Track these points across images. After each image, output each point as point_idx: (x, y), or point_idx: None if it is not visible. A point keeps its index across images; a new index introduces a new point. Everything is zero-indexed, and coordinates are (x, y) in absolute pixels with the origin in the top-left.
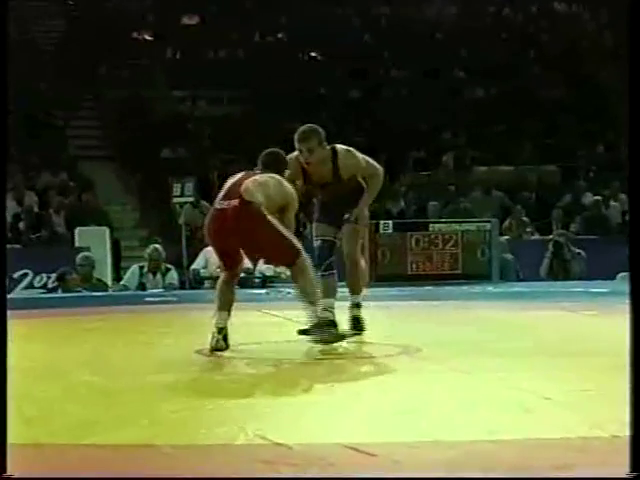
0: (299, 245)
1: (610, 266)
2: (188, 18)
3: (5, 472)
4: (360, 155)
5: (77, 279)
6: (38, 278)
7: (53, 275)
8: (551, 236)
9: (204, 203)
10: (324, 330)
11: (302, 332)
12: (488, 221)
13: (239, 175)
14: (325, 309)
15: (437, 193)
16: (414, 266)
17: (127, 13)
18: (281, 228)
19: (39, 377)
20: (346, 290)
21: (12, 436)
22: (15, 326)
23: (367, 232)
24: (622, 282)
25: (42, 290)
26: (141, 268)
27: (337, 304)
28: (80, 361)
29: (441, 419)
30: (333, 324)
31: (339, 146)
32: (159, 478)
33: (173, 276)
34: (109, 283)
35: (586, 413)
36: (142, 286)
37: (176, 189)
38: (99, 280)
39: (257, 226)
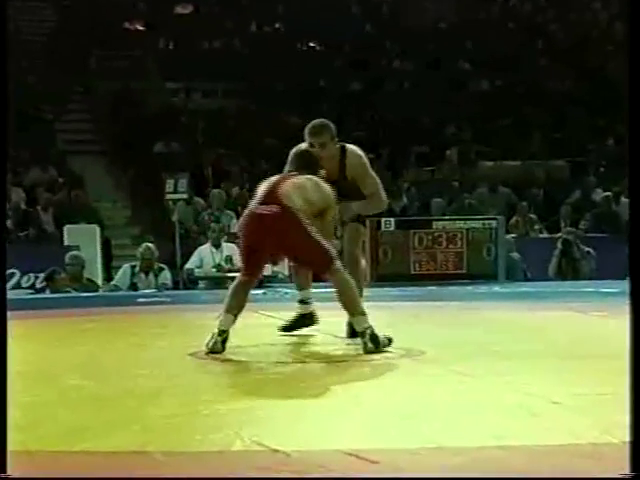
0: (334, 251)
1: (621, 265)
2: (182, 7)
3: (5, 472)
4: (369, 166)
5: (66, 279)
6: (25, 278)
7: (41, 275)
8: (560, 234)
9: (198, 200)
10: (377, 344)
11: (284, 329)
12: (494, 218)
13: (274, 178)
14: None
15: (441, 189)
16: (417, 265)
17: (118, 2)
18: (316, 234)
19: (28, 381)
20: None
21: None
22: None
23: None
24: None
25: (30, 290)
26: (133, 268)
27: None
28: (70, 364)
29: (445, 424)
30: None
31: (349, 145)
32: None
33: (166, 276)
34: (100, 283)
35: (596, 418)
36: (134, 286)
37: (169, 185)
38: (89, 280)
39: (295, 232)
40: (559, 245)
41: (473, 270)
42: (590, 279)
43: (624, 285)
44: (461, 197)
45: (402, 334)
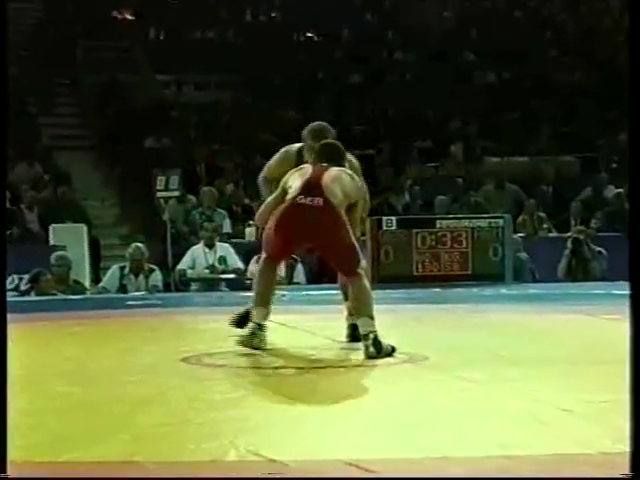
0: (361, 254)
1: None
2: None
3: (5, 472)
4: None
5: (52, 281)
6: (9, 280)
7: (26, 276)
8: (569, 233)
9: (190, 198)
10: (379, 349)
11: (235, 323)
12: (501, 217)
13: (309, 169)
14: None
15: (445, 186)
16: (420, 266)
17: None
18: (352, 235)
19: (13, 387)
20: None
21: None
22: None
23: (368, 229)
24: None
25: (14, 293)
26: (122, 269)
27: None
28: (56, 370)
29: (449, 433)
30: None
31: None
32: None
33: (157, 277)
34: (87, 285)
35: (607, 426)
36: (123, 288)
37: (160, 182)
38: (76, 282)
39: (336, 229)
40: (569, 245)
41: (479, 271)
42: (601, 280)
43: None
44: (466, 195)
45: (404, 338)
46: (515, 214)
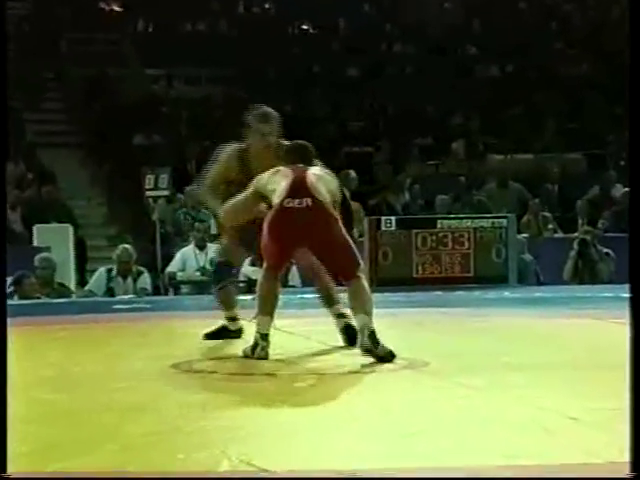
0: (359, 255)
1: None
2: None
3: (5, 472)
4: None
5: (36, 284)
6: None
7: (9, 279)
8: (576, 234)
9: (181, 197)
10: (375, 343)
11: (208, 336)
12: (504, 217)
13: (288, 170)
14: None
15: (446, 185)
16: (420, 268)
17: None
18: (347, 234)
19: None
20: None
21: None
22: None
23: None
24: None
25: None
26: (109, 271)
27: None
28: (41, 377)
29: (450, 442)
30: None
31: (285, 141)
32: None
33: (146, 280)
34: (73, 288)
35: (615, 434)
36: (110, 291)
37: (149, 181)
38: (61, 285)
39: (330, 227)
40: (575, 246)
41: (481, 273)
42: (609, 283)
43: None
44: (468, 194)
45: (404, 343)
46: (519, 214)
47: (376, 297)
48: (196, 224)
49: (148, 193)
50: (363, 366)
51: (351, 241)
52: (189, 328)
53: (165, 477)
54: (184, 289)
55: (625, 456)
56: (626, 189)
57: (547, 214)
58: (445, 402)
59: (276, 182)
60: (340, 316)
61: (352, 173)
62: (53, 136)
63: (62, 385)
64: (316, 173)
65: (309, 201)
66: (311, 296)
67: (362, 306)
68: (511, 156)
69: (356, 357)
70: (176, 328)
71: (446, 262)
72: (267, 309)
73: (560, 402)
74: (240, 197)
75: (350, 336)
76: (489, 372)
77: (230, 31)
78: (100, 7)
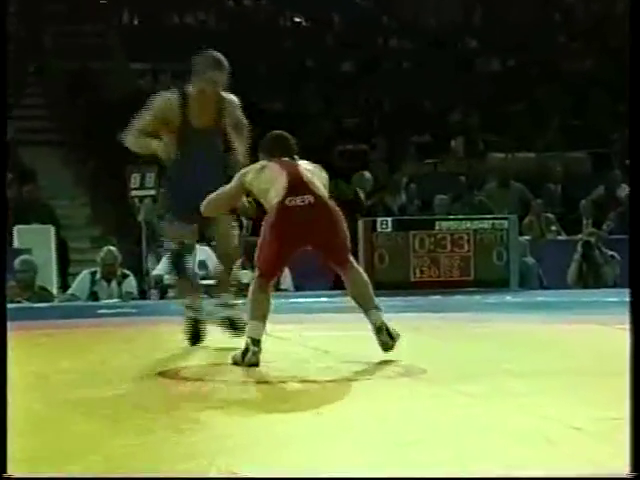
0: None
1: None
2: None
3: (5, 472)
4: None
5: (16, 287)
6: None
7: None
8: (580, 236)
9: None
10: (393, 339)
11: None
12: (505, 218)
13: (278, 166)
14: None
15: (445, 185)
16: (418, 271)
17: None
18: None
19: None
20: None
21: None
22: None
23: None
24: None
25: None
26: (93, 274)
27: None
28: (20, 385)
29: (449, 452)
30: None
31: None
32: None
33: (131, 284)
34: (54, 292)
35: (620, 445)
36: (94, 295)
37: (135, 180)
38: (42, 288)
39: (337, 224)
40: (579, 248)
41: (481, 277)
42: (614, 287)
43: None
44: (468, 194)
45: (401, 350)
46: (521, 215)
47: None
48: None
49: (134, 193)
50: (358, 373)
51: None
52: (176, 334)
53: (164, 477)
54: (171, 293)
55: (630, 468)
56: None
57: (550, 215)
58: (443, 410)
59: (268, 180)
60: (228, 306)
61: (367, 174)
62: (34, 133)
63: (42, 394)
64: (308, 168)
65: (311, 198)
66: (303, 300)
67: (370, 299)
68: (512, 154)
69: (352, 364)
70: (163, 334)
71: (445, 265)
72: (260, 315)
73: (563, 411)
74: (224, 189)
75: (234, 328)
76: (489, 379)
77: (219, 24)
78: None
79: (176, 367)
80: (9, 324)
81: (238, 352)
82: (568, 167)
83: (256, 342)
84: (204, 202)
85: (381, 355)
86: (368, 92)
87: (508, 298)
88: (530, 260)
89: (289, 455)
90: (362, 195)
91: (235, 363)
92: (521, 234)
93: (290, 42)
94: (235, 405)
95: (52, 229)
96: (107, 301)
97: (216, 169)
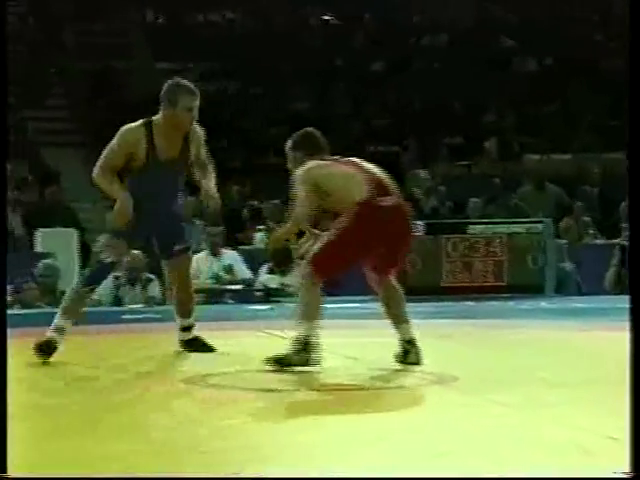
0: None
1: None
2: None
3: (5, 472)
4: None
5: (37, 292)
6: None
7: (9, 287)
8: (618, 239)
9: (191, 199)
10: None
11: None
12: (540, 221)
13: (342, 164)
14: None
15: (478, 187)
16: (450, 276)
17: None
18: None
19: None
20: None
21: None
22: None
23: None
24: None
25: None
26: (117, 279)
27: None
28: (42, 391)
29: (482, 463)
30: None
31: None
32: None
33: (155, 288)
34: None
35: None
36: (118, 301)
37: None
38: (64, 293)
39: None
40: (617, 253)
41: (515, 282)
42: None
43: None
44: (502, 196)
45: (432, 357)
46: (557, 218)
47: None
48: (208, 228)
49: None
50: (388, 381)
51: None
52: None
53: (164, 477)
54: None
55: None
56: None
57: (586, 218)
58: (476, 420)
59: (344, 177)
60: (186, 329)
61: (422, 172)
62: (56, 134)
63: (64, 401)
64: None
65: (396, 199)
66: (336, 306)
67: (403, 312)
68: (548, 156)
69: (382, 372)
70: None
71: (478, 270)
72: (314, 316)
73: (600, 421)
74: (303, 196)
75: (195, 349)
76: (523, 388)
77: (245, 22)
78: None
79: (202, 374)
80: (31, 329)
81: (288, 351)
82: (606, 168)
83: (311, 344)
84: (297, 220)
85: None
86: (399, 92)
87: (543, 304)
88: (568, 266)
89: (319, 467)
90: (421, 195)
91: (280, 363)
92: (558, 238)
93: (319, 41)
94: (262, 414)
95: (75, 232)
96: (131, 306)
97: (175, 201)
